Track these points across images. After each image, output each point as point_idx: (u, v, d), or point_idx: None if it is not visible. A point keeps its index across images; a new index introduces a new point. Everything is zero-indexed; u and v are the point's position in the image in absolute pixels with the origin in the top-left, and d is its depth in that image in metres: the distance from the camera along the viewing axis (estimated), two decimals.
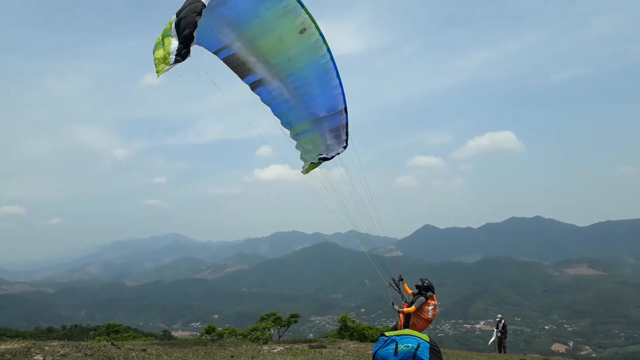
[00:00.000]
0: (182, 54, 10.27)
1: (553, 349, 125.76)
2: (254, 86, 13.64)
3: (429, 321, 13.35)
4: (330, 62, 13.04)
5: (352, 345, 15.41)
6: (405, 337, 8.07)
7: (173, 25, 10.65)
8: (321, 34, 12.44)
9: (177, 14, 10.76)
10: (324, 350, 13.42)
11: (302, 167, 14.79)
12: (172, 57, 10.24)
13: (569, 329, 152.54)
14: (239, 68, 13.33)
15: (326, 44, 12.68)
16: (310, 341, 15.80)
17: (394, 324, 13.89)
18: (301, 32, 12.26)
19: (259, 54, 12.63)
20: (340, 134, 14.16)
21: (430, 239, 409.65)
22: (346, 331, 31.06)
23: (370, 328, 32.40)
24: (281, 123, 14.38)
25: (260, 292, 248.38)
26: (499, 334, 28.37)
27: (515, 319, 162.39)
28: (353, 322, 32.59)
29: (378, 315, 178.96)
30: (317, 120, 14.03)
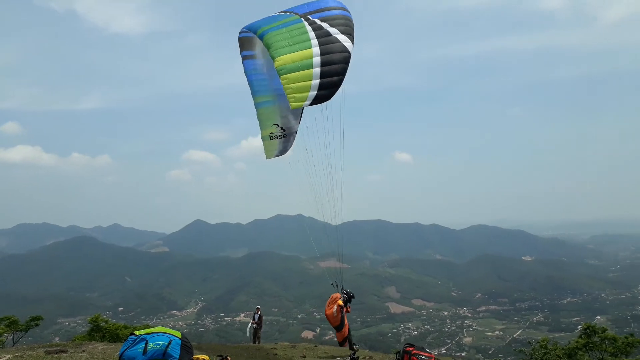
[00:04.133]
0: (323, 97, 10.33)
1: (302, 336, 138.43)
2: (245, 57, 15.18)
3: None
4: None
5: (100, 347, 14.32)
6: (156, 335, 7.93)
7: (317, 58, 10.55)
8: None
9: (321, 49, 10.70)
10: (63, 355, 12.13)
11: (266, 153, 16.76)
12: (312, 94, 10.23)
13: (317, 316, 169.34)
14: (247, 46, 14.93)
15: None
16: (51, 346, 14.10)
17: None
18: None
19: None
20: (298, 111, 15.78)
21: (200, 234, 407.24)
22: (98, 332, 28.74)
23: (126, 327, 30.66)
24: (251, 92, 15.88)
25: None
26: (254, 325, 30.04)
27: (273, 309, 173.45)
28: (106, 322, 30.38)
29: (137, 314, 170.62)
30: (280, 95, 15.23)
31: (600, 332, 25.84)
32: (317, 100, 10.26)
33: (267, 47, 11.45)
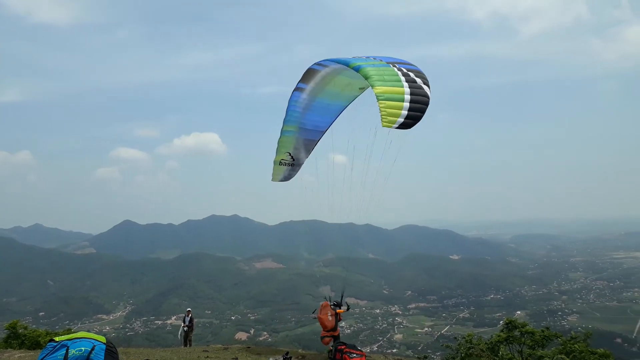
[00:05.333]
0: (407, 125, 12.28)
1: (236, 338, 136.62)
2: (297, 89, 16.98)
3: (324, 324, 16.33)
4: (347, 106, 17.77)
5: (17, 354, 13.48)
6: (78, 340, 7.57)
7: (407, 96, 12.74)
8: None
9: (410, 91, 12.89)
10: None
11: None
12: (400, 121, 12.19)
13: (251, 317, 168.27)
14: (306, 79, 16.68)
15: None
16: None
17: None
18: (360, 88, 16.62)
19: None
20: (310, 144, 18.61)
21: (130, 235, 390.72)
22: (16, 339, 26.97)
23: (48, 333, 29.01)
24: (284, 118, 17.84)
25: None
26: (185, 328, 29.38)
27: (206, 311, 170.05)
28: (26, 328, 28.62)
29: (61, 319, 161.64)
30: (302, 128, 18.01)
31: (520, 326, 27.39)
32: (402, 126, 12.37)
33: (366, 77, 13.50)
